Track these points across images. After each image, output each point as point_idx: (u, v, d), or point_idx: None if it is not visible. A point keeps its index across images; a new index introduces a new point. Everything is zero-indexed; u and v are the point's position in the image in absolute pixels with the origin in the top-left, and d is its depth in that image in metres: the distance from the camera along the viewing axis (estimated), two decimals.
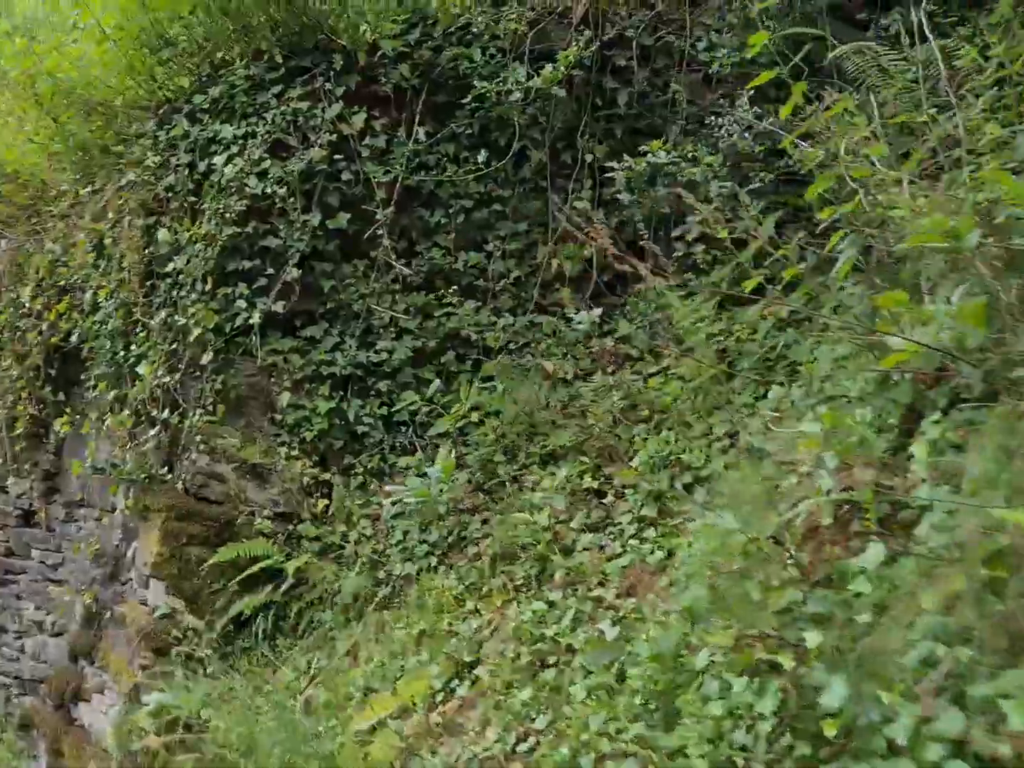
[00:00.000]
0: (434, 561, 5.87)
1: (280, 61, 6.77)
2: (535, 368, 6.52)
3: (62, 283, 7.71)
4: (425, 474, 5.98)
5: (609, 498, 5.65)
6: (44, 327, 7.80)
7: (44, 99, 7.52)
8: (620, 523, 5.41)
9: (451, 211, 7.16)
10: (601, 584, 4.98)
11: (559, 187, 7.39)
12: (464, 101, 7.08)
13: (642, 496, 5.46)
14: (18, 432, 8.20)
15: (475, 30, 7.10)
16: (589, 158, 7.28)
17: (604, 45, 7.36)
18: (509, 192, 7.27)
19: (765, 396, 5.75)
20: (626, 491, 5.63)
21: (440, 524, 5.93)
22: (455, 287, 7.11)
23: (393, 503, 6.04)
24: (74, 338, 7.56)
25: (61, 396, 8.16)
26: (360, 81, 6.93)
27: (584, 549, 5.30)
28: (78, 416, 7.83)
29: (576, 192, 7.31)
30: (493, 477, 6.06)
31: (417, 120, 7.01)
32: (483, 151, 7.00)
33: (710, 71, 7.25)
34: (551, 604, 4.94)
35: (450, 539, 5.93)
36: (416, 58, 7.01)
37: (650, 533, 5.24)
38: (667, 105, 7.50)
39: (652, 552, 5.01)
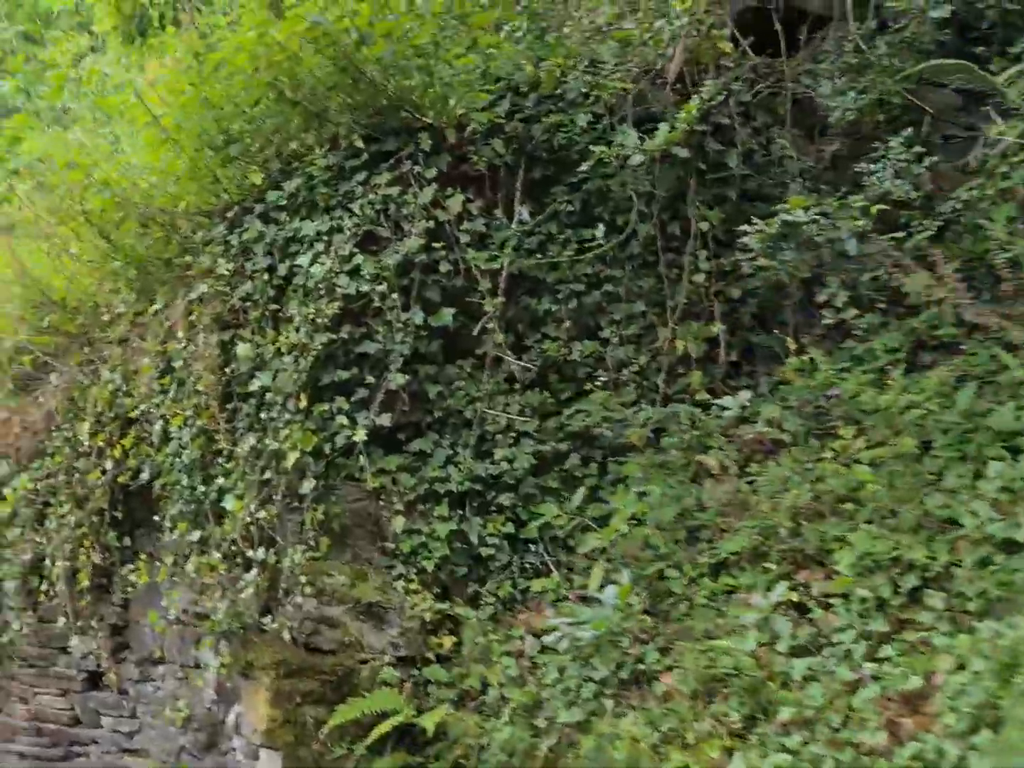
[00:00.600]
0: (608, 703, 4.90)
1: (362, 146, 6.01)
2: (685, 464, 5.62)
3: (125, 415, 6.85)
4: (595, 600, 5.03)
5: (816, 611, 4.70)
6: (107, 466, 6.91)
7: (94, 216, 6.74)
8: (841, 642, 4.45)
9: (560, 297, 6.33)
10: (849, 723, 4.01)
11: (669, 261, 6.58)
12: (567, 174, 6.33)
13: (861, 606, 4.51)
14: (81, 586, 7.26)
15: (570, 96, 6.35)
16: (704, 226, 6.48)
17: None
18: (619, 271, 6.45)
19: (978, 475, 4.86)
20: (834, 601, 4.69)
21: (607, 657, 4.96)
22: (572, 381, 6.27)
23: (550, 637, 5.08)
24: (144, 475, 6.67)
25: (127, 541, 7.25)
26: (450, 161, 6.16)
27: (807, 678, 4.34)
28: (149, 562, 6.92)
29: (692, 265, 6.49)
30: (662, 596, 5.12)
31: (518, 199, 6.23)
32: (600, 227, 6.19)
33: (830, 119, 6.48)
34: (794, 754, 3.96)
35: (622, 674, 4.96)
36: (509, 131, 6.25)
37: (887, 652, 4.28)
38: (776, 163, 6.73)
39: (905, 678, 4.05)
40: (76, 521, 7.36)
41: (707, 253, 6.53)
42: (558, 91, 6.34)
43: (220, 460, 6.14)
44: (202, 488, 6.20)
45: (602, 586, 5.17)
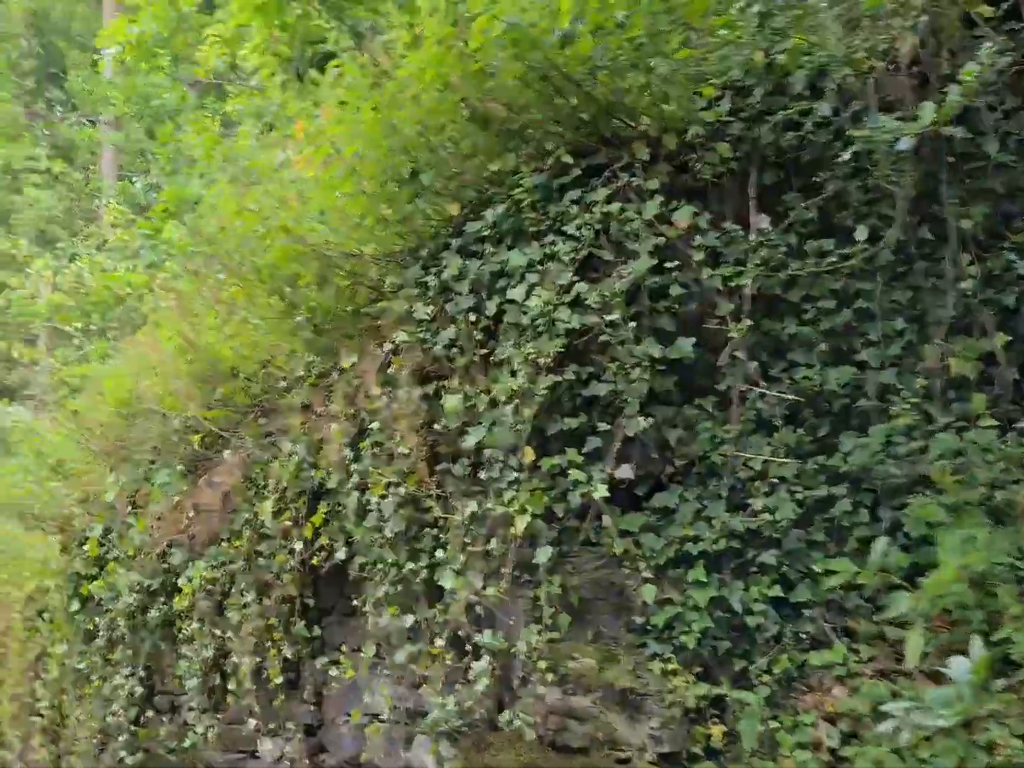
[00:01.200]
0: None
1: (571, 161, 5.21)
2: (1005, 502, 4.59)
3: (313, 490, 6.10)
4: (921, 674, 4.01)
5: None
6: (296, 547, 6.15)
7: (265, 272, 6.07)
8: None
9: (806, 318, 5.40)
10: None
11: (924, 269, 5.59)
12: (800, 177, 5.43)
13: None
14: (272, 683, 6.48)
15: (797, 87, 5.47)
16: (966, 224, 5.48)
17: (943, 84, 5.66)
18: (869, 284, 5.49)
19: None
20: None
21: (951, 752, 3.91)
22: (828, 415, 5.31)
23: (883, 725, 4.07)
24: (339, 555, 5.89)
25: (318, 631, 6.47)
26: (670, 171, 5.32)
27: None
28: (346, 654, 6.12)
29: (955, 271, 5.50)
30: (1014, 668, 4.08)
31: (753, 208, 5.34)
32: (861, 230, 5.25)
33: None
34: None
35: None
36: (734, 133, 5.38)
37: None
38: None
39: None
40: (261, 611, 6.63)
41: (970, 257, 5.53)
42: (787, 81, 5.46)
43: (432, 531, 5.32)
44: (411, 565, 5.38)
45: (924, 656, 4.14)
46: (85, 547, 8.33)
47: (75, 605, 8.31)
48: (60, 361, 13.50)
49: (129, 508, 7.97)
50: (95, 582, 8.19)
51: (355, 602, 6.01)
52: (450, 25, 5.17)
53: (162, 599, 7.62)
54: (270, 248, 5.87)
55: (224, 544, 6.92)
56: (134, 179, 22.04)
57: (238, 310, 6.47)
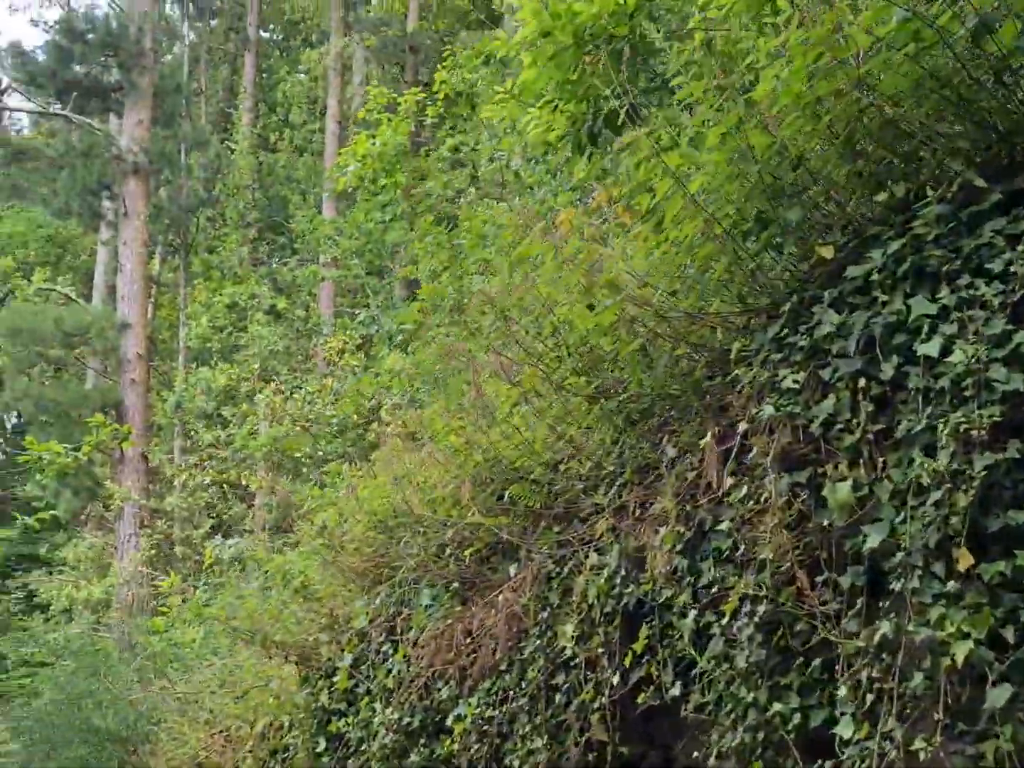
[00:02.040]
0: None
1: (984, 185, 4.03)
2: None
3: (631, 609, 4.93)
4: None
5: None
6: (613, 680, 4.95)
7: (571, 348, 5.06)
8: None
9: None
10: None
11: None
12: None
13: None
14: None
15: None
16: None
17: None
18: None
19: None
20: None
21: None
22: None
23: None
24: (672, 691, 4.65)
25: None
26: None
27: None
28: None
29: None
30: None
31: None
32: None
33: None
34: None
35: None
36: None
37: None
38: None
39: None
40: (551, 759, 5.42)
41: None
42: None
43: (807, 660, 4.05)
44: (779, 706, 4.10)
45: None
46: (334, 678, 7.33)
47: (320, 745, 7.28)
48: (297, 490, 12.85)
49: (385, 635, 6.96)
50: (344, 719, 7.16)
51: (678, 751, 4.76)
52: (826, 32, 4.13)
53: (423, 741, 6.50)
54: (577, 315, 4.86)
55: (505, 677, 5.79)
56: (355, 313, 21.98)
57: (529, 397, 5.46)
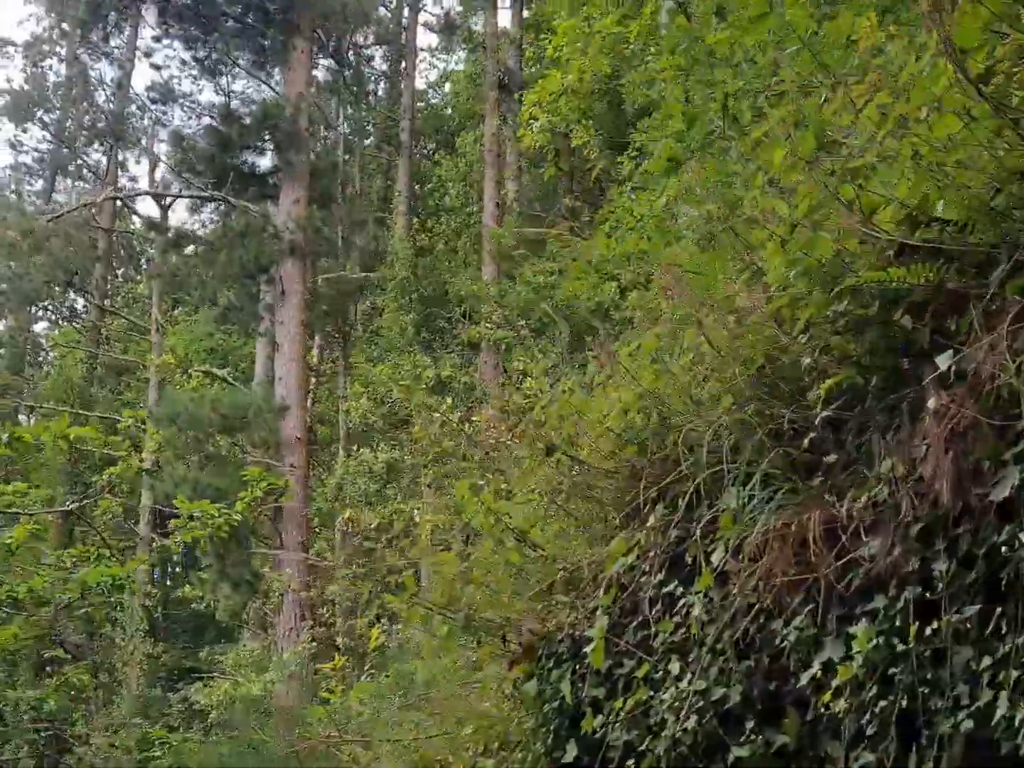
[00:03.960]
0: None
1: None
2: None
3: None
4: None
5: None
6: None
7: None
8: None
9: None
10: None
11: None
12: None
13: None
14: None
15: None
16: None
17: None
18: None
19: None
20: None
21: None
22: None
23: None
24: None
25: None
26: None
27: None
28: None
29: None
30: None
31: None
32: None
33: None
34: None
35: None
36: None
37: None
38: None
39: None
40: None
41: None
42: None
43: None
44: None
45: None
46: (578, 657, 4.70)
47: (567, 754, 4.61)
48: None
49: (665, 570, 4.34)
50: (600, 714, 4.50)
51: None
52: None
53: (753, 722, 3.81)
54: None
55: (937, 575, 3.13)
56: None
57: None
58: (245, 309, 23.99)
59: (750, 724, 3.86)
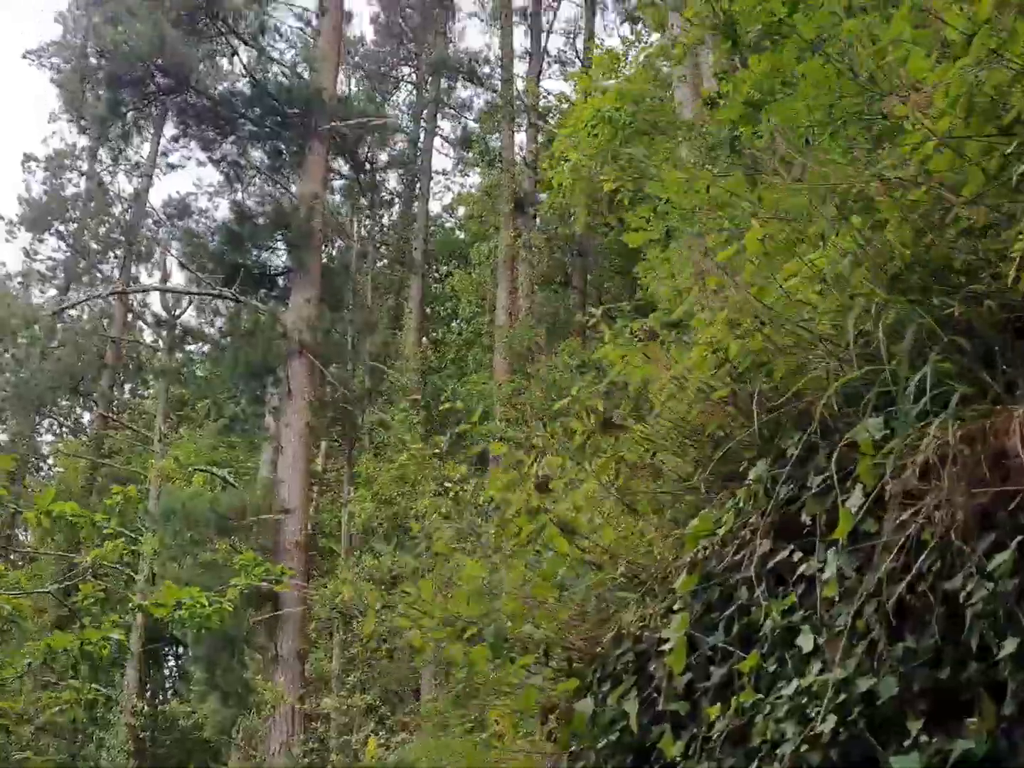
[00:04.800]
0: None
1: None
2: None
3: None
4: None
5: None
6: None
7: None
8: None
9: None
10: None
11: None
12: None
13: None
14: None
15: None
16: None
17: None
18: None
19: None
20: None
21: None
22: None
23: None
24: None
25: None
26: None
27: None
28: None
29: None
30: None
31: None
32: None
33: None
34: None
35: None
36: None
37: None
38: None
39: None
40: None
41: None
42: None
43: None
44: None
45: None
46: (651, 666, 3.55)
47: None
48: None
49: (771, 539, 3.25)
50: (682, 730, 3.33)
51: None
52: None
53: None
54: None
55: None
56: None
57: None
58: (249, 420, 23.08)
59: (915, 726, 2.70)
